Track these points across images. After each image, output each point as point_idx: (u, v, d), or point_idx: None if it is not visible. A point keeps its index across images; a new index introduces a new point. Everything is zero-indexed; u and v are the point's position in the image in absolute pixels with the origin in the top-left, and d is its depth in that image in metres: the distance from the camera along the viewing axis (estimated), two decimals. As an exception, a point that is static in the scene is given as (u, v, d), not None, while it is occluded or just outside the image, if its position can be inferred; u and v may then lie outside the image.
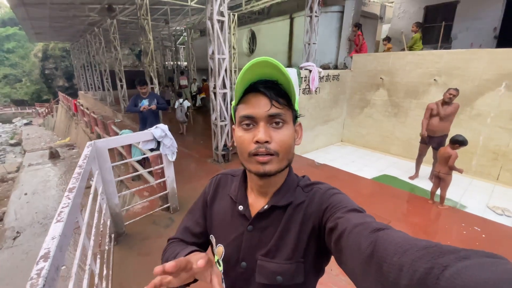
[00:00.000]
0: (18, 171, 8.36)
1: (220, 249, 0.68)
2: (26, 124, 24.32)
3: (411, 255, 0.32)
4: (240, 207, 0.66)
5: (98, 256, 1.80)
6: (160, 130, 2.63)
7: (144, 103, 4.22)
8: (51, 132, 18.74)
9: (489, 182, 4.58)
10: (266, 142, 0.55)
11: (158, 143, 2.74)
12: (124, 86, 9.97)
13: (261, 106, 0.55)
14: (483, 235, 2.85)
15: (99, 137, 6.99)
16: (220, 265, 0.68)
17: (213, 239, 0.71)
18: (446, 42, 7.40)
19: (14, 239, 4.14)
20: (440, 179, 3.36)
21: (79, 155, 9.18)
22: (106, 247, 2.08)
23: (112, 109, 11.43)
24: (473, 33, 7.12)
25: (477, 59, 4.57)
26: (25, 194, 5.77)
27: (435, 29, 7.73)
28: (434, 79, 5.05)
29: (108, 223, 2.38)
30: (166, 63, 21.26)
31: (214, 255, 0.71)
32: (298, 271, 0.59)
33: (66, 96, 14.65)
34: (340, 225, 0.48)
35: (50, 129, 19.94)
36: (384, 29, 10.14)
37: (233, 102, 0.63)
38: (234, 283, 0.66)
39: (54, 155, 8.48)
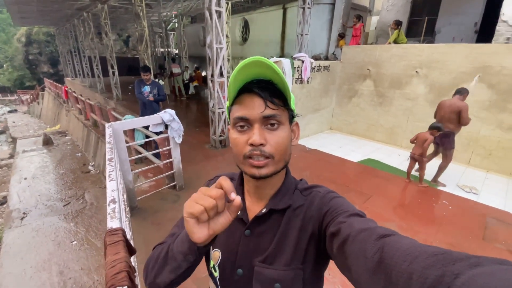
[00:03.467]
0: (11, 158, 8.38)
1: (216, 254, 0.66)
2: (10, 112, 23.56)
3: (421, 263, 0.32)
4: None
5: (126, 220, 2.09)
6: (168, 114, 2.89)
7: (146, 89, 4.42)
8: (38, 119, 18.33)
9: (461, 165, 5.08)
10: (261, 144, 0.54)
11: (166, 126, 3.01)
12: (116, 73, 9.94)
13: (255, 107, 0.54)
14: (450, 207, 3.32)
15: (95, 123, 7.10)
16: (215, 271, 0.66)
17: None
18: (430, 36, 7.82)
19: (22, 219, 4.34)
20: (415, 161, 3.80)
21: (73, 142, 9.25)
22: (127, 215, 2.37)
23: (103, 96, 11.37)
24: (455, 27, 7.56)
25: (455, 53, 4.98)
26: (25, 178, 5.91)
27: (421, 23, 8.12)
28: (416, 71, 5.45)
29: (125, 196, 2.66)
30: (156, 49, 20.92)
31: (209, 260, 0.69)
32: (297, 278, 0.57)
33: (54, 83, 14.36)
34: (343, 230, 0.47)
35: (36, 116, 19.46)
36: (373, 21, 10.48)
37: (227, 103, 0.61)
38: None
39: (48, 142, 8.52)
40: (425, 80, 5.39)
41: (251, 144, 0.54)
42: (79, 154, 7.53)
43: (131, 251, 1.02)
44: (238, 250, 0.62)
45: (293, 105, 0.61)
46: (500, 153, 4.75)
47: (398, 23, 5.94)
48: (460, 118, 3.62)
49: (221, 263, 0.64)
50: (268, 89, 0.55)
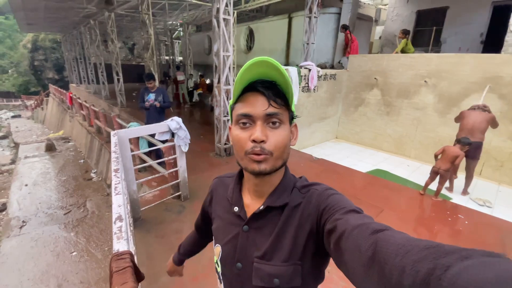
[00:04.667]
0: (12, 163, 8.31)
1: (217, 249, 0.70)
2: (13, 117, 23.68)
3: (413, 256, 0.32)
4: (236, 208, 0.67)
5: (130, 233, 1.98)
6: (175, 122, 2.81)
7: (151, 97, 4.36)
8: (41, 125, 18.37)
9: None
10: (262, 141, 0.55)
11: (172, 134, 2.92)
12: (121, 80, 9.97)
13: (258, 105, 0.56)
14: (466, 222, 3.17)
15: (99, 130, 7.05)
16: (218, 266, 0.70)
17: (214, 239, 0.74)
18: (436, 45, 7.78)
19: (21, 228, 4.23)
20: (437, 175, 3.65)
21: (76, 148, 9.19)
22: (131, 228, 2.26)
23: (108, 103, 11.39)
24: (461, 37, 7.52)
25: (464, 63, 4.91)
26: (26, 185, 5.81)
27: (426, 32, 8.11)
28: (425, 81, 5.38)
29: (128, 207, 2.55)
30: (161, 57, 21.13)
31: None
32: (295, 274, 0.59)
33: (59, 89, 14.44)
34: (339, 227, 0.48)
35: (40, 122, 19.52)
36: (378, 31, 10.50)
37: (231, 101, 0.64)
38: (231, 284, 0.67)
39: (50, 148, 8.46)
40: (433, 89, 5.31)
41: (253, 141, 0.55)
42: (82, 161, 7.45)
43: (139, 277, 0.91)
44: (237, 245, 0.65)
45: (293, 107, 0.63)
46: (513, 165, 4.62)
47: (406, 32, 5.91)
48: (493, 125, 3.78)
49: (222, 258, 0.68)
50: (272, 89, 0.57)
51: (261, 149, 0.55)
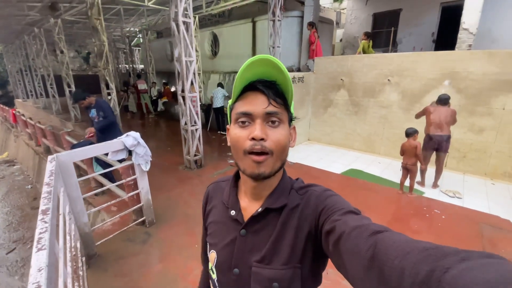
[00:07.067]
0: None
1: (212, 255, 0.67)
2: None
3: (412, 258, 0.32)
4: (232, 212, 0.65)
5: (76, 283, 1.58)
6: (132, 138, 2.43)
7: (93, 113, 3.82)
8: (-17, 147, 16.19)
9: (439, 169, 5.14)
10: (262, 139, 0.54)
11: (129, 152, 2.54)
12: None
13: (258, 103, 0.55)
14: (443, 216, 3.19)
15: (48, 150, 6.23)
16: (213, 273, 0.67)
17: (207, 245, 0.71)
18: (394, 46, 8.17)
19: None
20: (408, 170, 3.68)
21: (22, 172, 8.10)
22: (80, 273, 1.84)
23: (60, 118, 10.36)
24: (415, 37, 7.98)
25: (422, 61, 5.12)
26: (-43, 222, 4.89)
27: (383, 34, 8.50)
28: (388, 79, 5.53)
29: (78, 245, 2.12)
30: (120, 66, 19.92)
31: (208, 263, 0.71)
32: (295, 277, 0.57)
33: (1, 106, 12.83)
34: (337, 228, 0.48)
35: (-19, 144, 17.22)
36: (338, 34, 10.83)
37: (230, 101, 0.62)
38: None
39: (-10, 174, 7.34)
40: (397, 87, 5.47)
41: (253, 139, 0.54)
42: (29, 186, 6.53)
43: None
44: (234, 250, 0.62)
45: (292, 109, 0.62)
46: (474, 155, 4.87)
47: (367, 35, 6.08)
48: (453, 121, 3.89)
49: (217, 264, 0.65)
50: (272, 88, 0.56)
51: (261, 147, 0.54)
